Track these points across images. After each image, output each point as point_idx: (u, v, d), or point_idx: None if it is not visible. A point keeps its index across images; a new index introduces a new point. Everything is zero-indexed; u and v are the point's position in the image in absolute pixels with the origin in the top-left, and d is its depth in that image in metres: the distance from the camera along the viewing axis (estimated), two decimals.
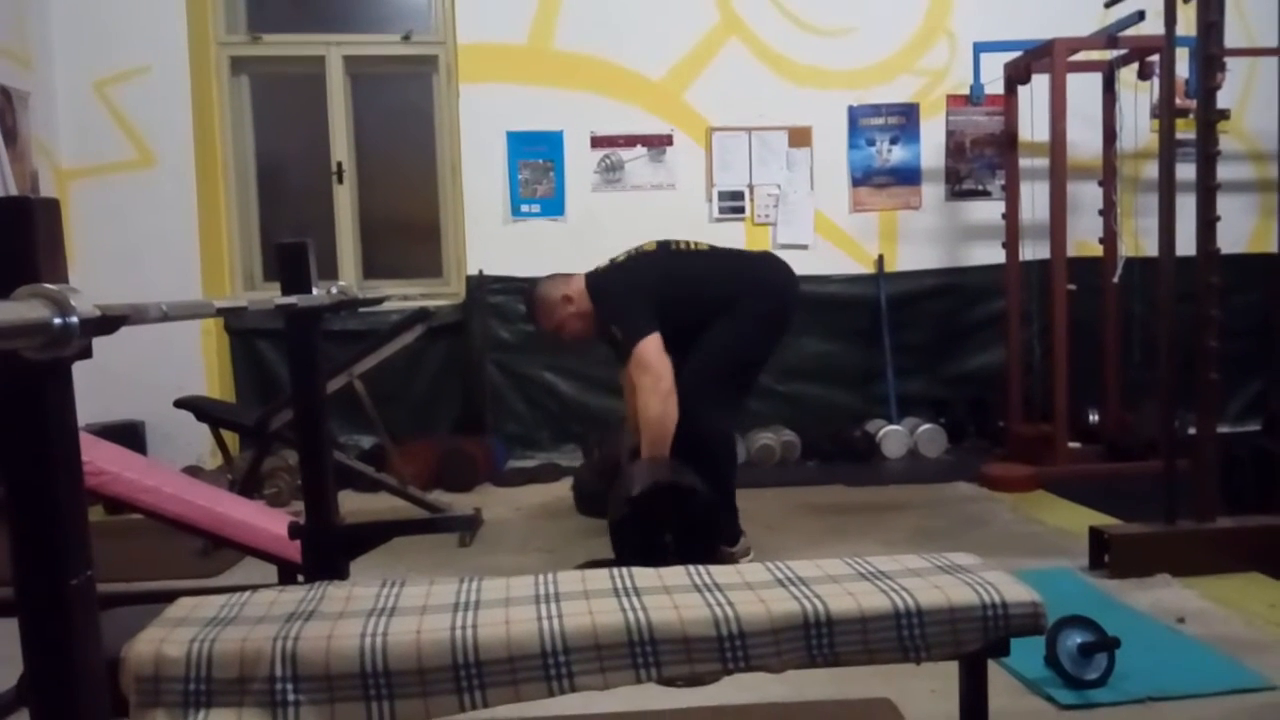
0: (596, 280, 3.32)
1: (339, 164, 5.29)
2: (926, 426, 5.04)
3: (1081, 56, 4.56)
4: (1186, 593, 2.77)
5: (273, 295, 1.83)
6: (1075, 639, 2.17)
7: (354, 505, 3.97)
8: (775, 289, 3.31)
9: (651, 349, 3.04)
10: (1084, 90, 4.67)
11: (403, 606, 1.50)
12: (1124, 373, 4.78)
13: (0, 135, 4.21)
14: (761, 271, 3.36)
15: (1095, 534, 3.05)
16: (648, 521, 2.84)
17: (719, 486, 3.10)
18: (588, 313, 3.28)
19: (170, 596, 1.58)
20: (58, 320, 0.82)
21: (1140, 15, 4.24)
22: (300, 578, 2.21)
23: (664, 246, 3.37)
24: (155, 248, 4.86)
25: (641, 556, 2.38)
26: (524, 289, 4.06)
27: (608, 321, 3.21)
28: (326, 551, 2.00)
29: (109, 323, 0.87)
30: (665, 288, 3.20)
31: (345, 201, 5.32)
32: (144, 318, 0.96)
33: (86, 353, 0.88)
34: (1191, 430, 3.10)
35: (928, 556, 1.70)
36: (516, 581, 1.60)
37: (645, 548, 2.79)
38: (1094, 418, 4.82)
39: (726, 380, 3.23)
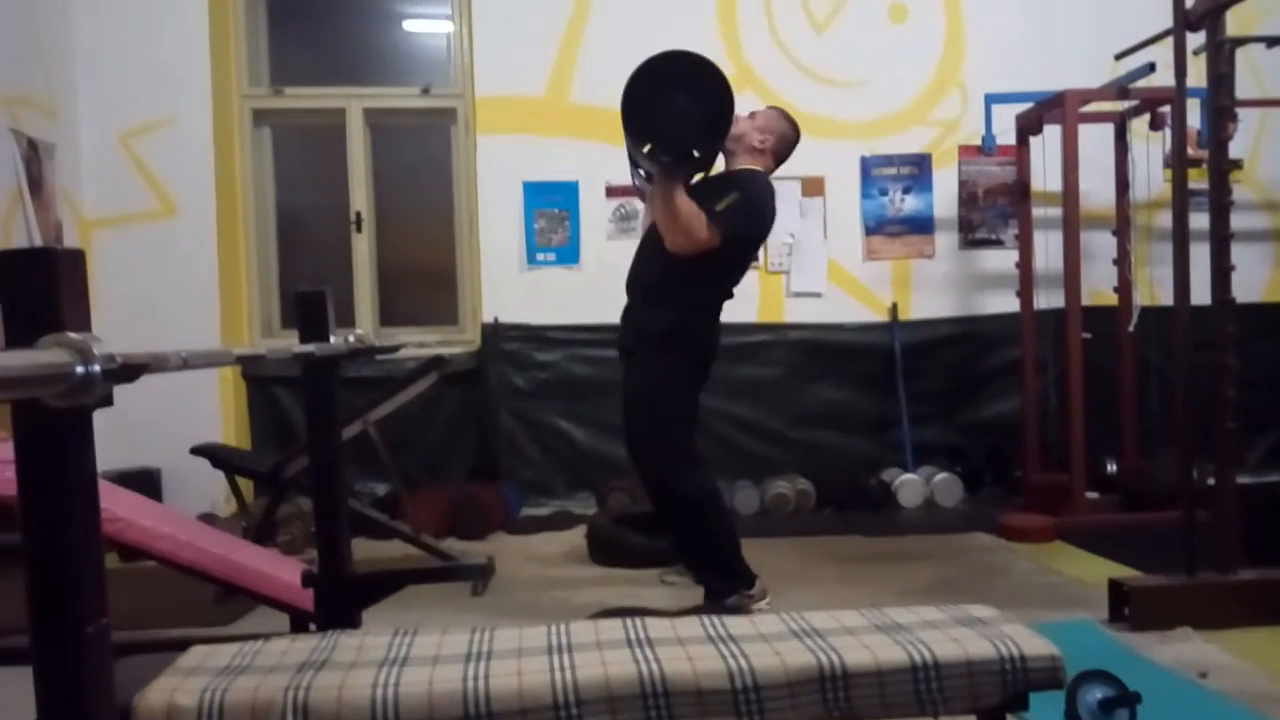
0: (760, 177, 3.34)
1: (358, 213, 5.36)
2: (943, 475, 5.01)
3: (1093, 108, 4.58)
4: (1208, 646, 2.72)
5: (290, 343, 1.85)
6: (1096, 694, 2.13)
7: (367, 552, 3.96)
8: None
9: (707, 226, 3.11)
10: (1096, 140, 4.70)
11: (415, 656, 1.49)
12: (1141, 422, 4.74)
13: (26, 185, 4.28)
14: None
15: (1115, 586, 3.01)
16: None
17: (714, 541, 3.13)
18: (761, 150, 3.37)
19: (183, 645, 1.58)
20: (80, 369, 0.83)
21: (1151, 67, 4.26)
22: (313, 626, 2.20)
23: None
24: (175, 296, 4.92)
25: None
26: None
27: (732, 190, 3.22)
28: (339, 600, 2.00)
29: (130, 371, 0.88)
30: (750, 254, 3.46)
31: (363, 250, 5.38)
32: (164, 366, 0.97)
33: (107, 401, 0.89)
34: (1211, 480, 3.07)
35: (945, 608, 1.69)
36: (529, 632, 1.59)
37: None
38: (1111, 467, 4.76)
39: (677, 433, 3.17)
